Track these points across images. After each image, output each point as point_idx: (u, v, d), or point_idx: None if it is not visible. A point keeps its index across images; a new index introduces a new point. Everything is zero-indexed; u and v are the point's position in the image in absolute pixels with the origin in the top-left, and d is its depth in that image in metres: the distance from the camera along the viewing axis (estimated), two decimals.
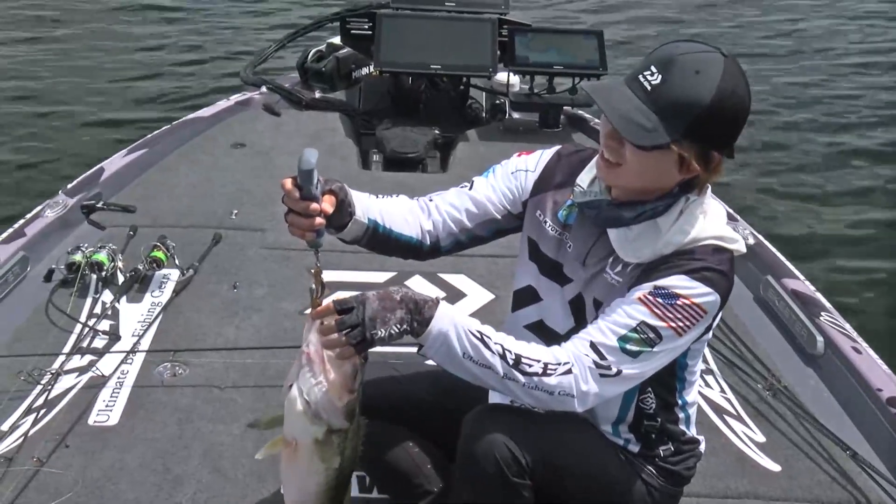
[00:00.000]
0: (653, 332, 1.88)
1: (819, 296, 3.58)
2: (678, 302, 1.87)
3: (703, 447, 2.29)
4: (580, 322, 2.05)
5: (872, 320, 4.90)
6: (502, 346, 1.86)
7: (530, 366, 1.86)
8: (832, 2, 12.22)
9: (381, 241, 2.10)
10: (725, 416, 2.95)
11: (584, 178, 2.02)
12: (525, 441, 1.96)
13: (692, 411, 2.23)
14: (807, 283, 3.66)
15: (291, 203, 1.84)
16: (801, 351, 3.34)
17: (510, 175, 2.17)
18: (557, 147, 2.20)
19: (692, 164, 1.84)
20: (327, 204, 1.86)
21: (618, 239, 1.96)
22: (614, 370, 1.89)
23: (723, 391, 3.09)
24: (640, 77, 1.82)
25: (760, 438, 2.86)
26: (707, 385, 3.11)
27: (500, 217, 2.16)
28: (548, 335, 2.11)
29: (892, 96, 9.02)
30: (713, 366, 3.21)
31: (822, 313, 3.42)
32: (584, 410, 1.91)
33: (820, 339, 3.27)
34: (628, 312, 1.89)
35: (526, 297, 2.18)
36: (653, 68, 1.81)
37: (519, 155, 2.21)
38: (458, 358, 1.84)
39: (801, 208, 6.65)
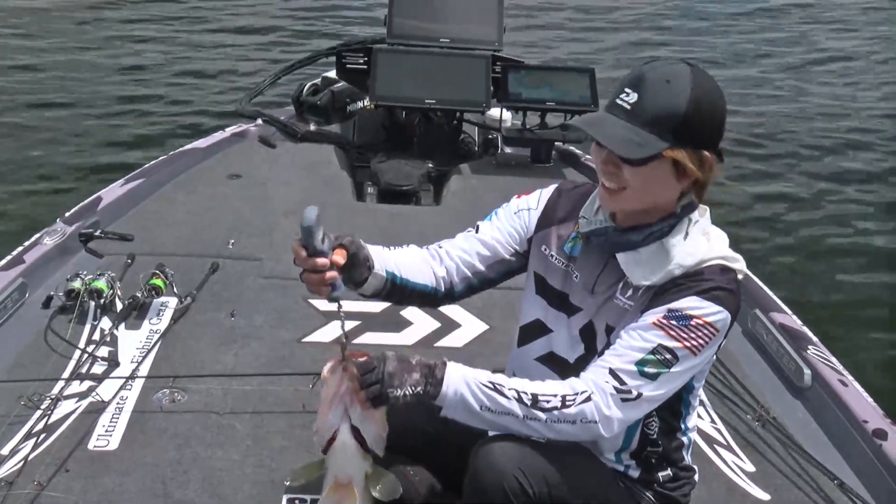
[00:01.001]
0: (669, 354, 1.93)
1: (806, 329, 3.62)
2: (692, 322, 1.92)
3: (696, 476, 2.33)
4: (590, 350, 2.09)
5: (858, 353, 4.95)
6: (517, 389, 1.92)
7: (548, 401, 1.91)
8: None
9: (399, 293, 2.16)
10: (716, 447, 2.98)
11: (587, 210, 2.09)
12: (532, 472, 1.97)
13: (692, 436, 2.26)
14: (794, 316, 3.71)
15: (301, 262, 1.89)
16: (788, 383, 3.38)
17: (514, 215, 2.24)
18: (556, 184, 2.27)
19: (688, 166, 1.90)
20: (338, 256, 1.92)
21: (627, 263, 2.01)
22: (635, 394, 1.93)
23: (713, 422, 3.12)
24: (618, 101, 1.90)
25: (750, 468, 2.89)
26: (698, 416, 3.13)
27: (508, 257, 2.22)
28: (558, 365, 2.15)
29: (877, 125, 9.17)
30: (703, 397, 3.23)
31: (810, 346, 3.46)
32: (609, 436, 1.96)
33: (807, 371, 3.31)
34: (644, 336, 1.94)
35: (534, 330, 2.21)
36: (627, 90, 1.89)
37: (519, 196, 2.27)
38: (476, 412, 1.91)
39: (788, 242, 6.73)
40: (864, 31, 12.82)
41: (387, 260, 2.12)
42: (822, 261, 6.47)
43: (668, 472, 2.21)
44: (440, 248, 2.25)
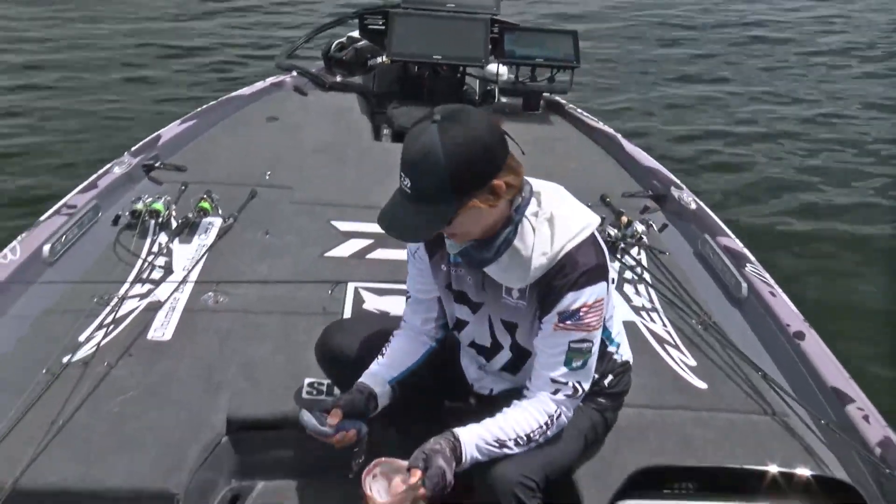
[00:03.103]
0: (582, 343, 1.95)
1: (746, 251, 3.63)
2: (581, 312, 1.92)
3: (631, 360, 2.35)
4: (497, 341, 2.13)
5: (788, 267, 5.08)
6: (515, 439, 1.96)
7: (536, 433, 1.98)
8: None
9: (410, 384, 2.20)
10: (665, 345, 3.02)
11: None
12: (528, 471, 1.97)
13: (620, 339, 2.27)
14: (736, 240, 3.71)
15: (329, 442, 2.03)
16: (729, 294, 3.40)
17: (413, 259, 2.21)
18: None
19: (487, 203, 1.80)
20: (332, 419, 2.02)
21: (495, 273, 1.99)
22: (579, 391, 2.01)
23: (664, 325, 3.15)
24: (402, 188, 1.80)
25: (692, 363, 2.93)
26: (652, 321, 3.17)
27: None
28: (481, 350, 2.20)
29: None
30: (658, 305, 3.27)
31: (748, 265, 3.48)
32: None
33: (744, 285, 3.33)
34: (555, 343, 1.96)
35: (459, 324, 2.23)
36: (402, 175, 1.79)
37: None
38: (485, 462, 1.94)
39: (736, 173, 6.78)
40: None
41: (382, 374, 2.16)
42: (764, 188, 6.54)
43: (610, 377, 2.25)
44: (405, 323, 2.28)
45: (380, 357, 2.22)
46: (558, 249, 1.90)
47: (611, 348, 2.23)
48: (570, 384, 1.99)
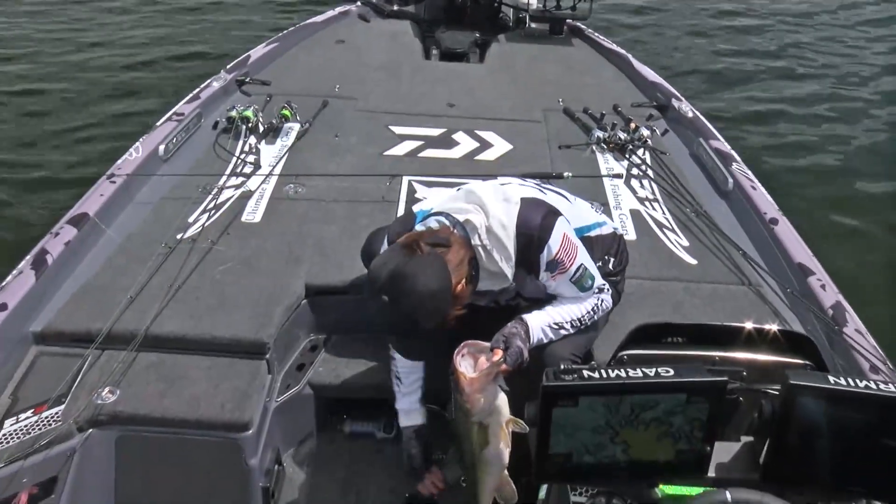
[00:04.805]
0: (578, 271, 1.94)
1: (733, 152, 3.50)
2: (559, 258, 1.90)
3: (618, 230, 2.29)
4: (509, 305, 2.04)
5: (765, 164, 4.95)
6: (570, 321, 1.97)
7: (588, 317, 2.00)
8: None
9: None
10: (663, 229, 2.97)
11: None
12: (573, 350, 2.00)
13: (593, 219, 2.20)
14: (725, 143, 3.58)
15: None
16: (717, 188, 3.31)
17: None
18: None
19: (459, 303, 1.81)
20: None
21: (485, 286, 1.93)
22: (604, 287, 2.03)
23: (664, 213, 3.08)
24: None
25: (685, 243, 2.88)
26: (653, 209, 3.10)
27: None
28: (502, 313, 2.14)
29: None
30: (658, 196, 3.19)
31: (734, 163, 3.36)
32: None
33: (730, 180, 3.23)
34: (563, 287, 1.97)
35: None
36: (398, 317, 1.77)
37: None
38: (546, 342, 1.94)
39: (728, 85, 6.50)
40: None
41: (414, 407, 2.18)
42: (757, 98, 6.30)
43: (612, 260, 2.21)
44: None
45: (401, 386, 2.17)
46: (511, 243, 1.87)
47: (591, 232, 2.15)
48: (594, 291, 2.01)
